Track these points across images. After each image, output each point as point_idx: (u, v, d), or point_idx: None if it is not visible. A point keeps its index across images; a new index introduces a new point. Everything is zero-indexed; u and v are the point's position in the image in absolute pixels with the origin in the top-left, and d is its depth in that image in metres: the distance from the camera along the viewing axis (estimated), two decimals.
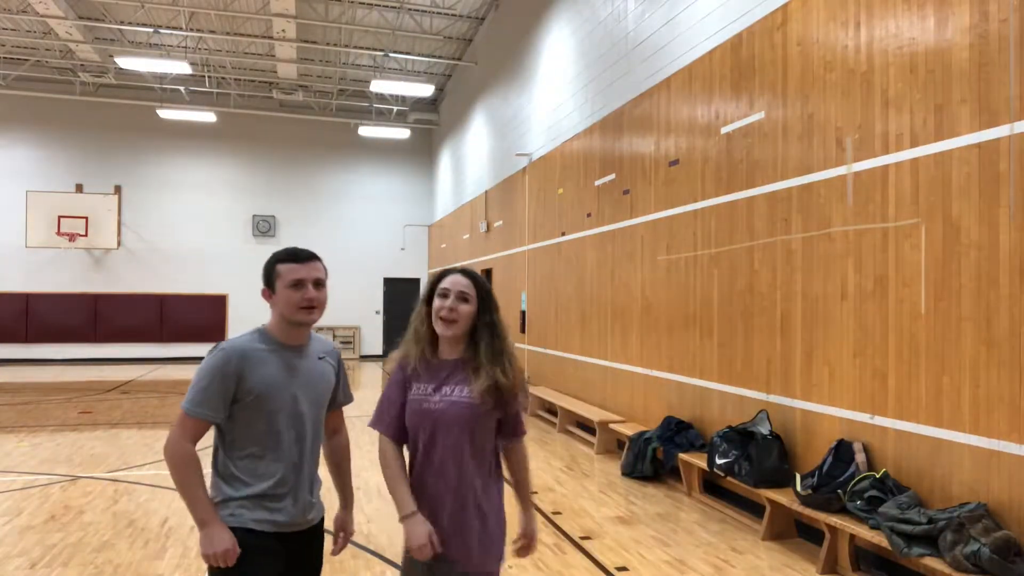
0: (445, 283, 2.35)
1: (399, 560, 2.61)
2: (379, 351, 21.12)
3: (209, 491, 2.29)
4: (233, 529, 2.25)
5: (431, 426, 2.30)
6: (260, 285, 2.43)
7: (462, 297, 2.33)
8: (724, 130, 6.35)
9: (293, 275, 2.34)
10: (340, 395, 2.61)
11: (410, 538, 2.23)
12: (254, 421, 2.29)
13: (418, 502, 2.28)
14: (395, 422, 2.35)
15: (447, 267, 2.48)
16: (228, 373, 2.25)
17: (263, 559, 2.29)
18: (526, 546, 2.47)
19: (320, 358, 2.49)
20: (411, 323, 2.43)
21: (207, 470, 2.27)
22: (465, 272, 2.38)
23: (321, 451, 2.55)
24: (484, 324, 2.35)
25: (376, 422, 2.39)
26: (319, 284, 2.37)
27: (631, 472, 7.05)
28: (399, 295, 21.14)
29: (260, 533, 2.30)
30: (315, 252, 2.45)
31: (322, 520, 2.52)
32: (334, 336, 20.63)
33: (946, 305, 4.12)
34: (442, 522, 2.28)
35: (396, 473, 2.30)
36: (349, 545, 5.05)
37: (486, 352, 2.32)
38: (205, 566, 2.27)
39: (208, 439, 2.33)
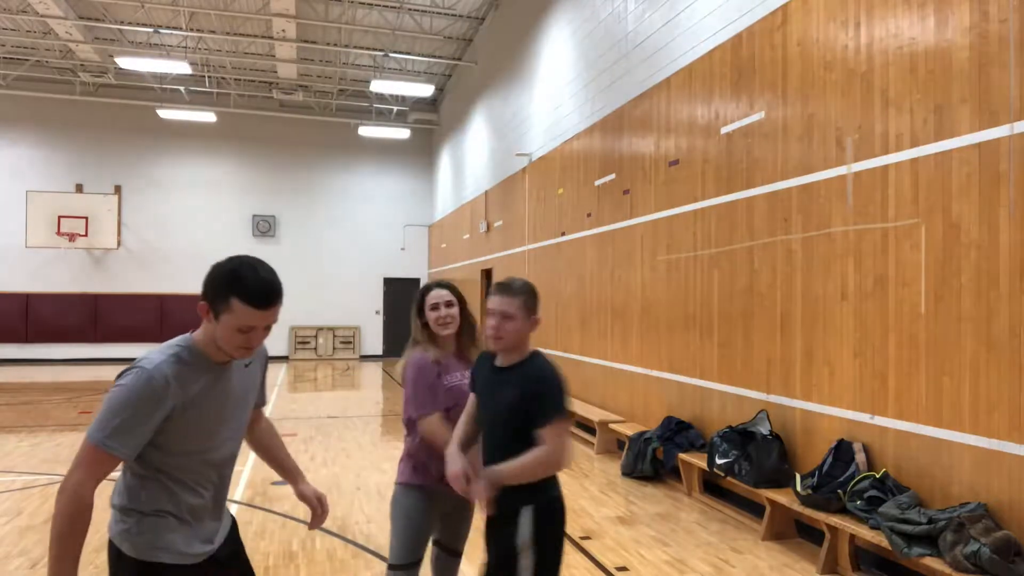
0: (432, 298, 3.06)
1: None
2: (379, 351, 21.11)
3: None
4: None
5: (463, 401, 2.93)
6: None
7: (448, 304, 3.07)
8: (724, 130, 6.35)
9: (248, 321, 1.96)
10: (259, 398, 2.40)
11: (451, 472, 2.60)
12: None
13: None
14: (441, 403, 2.99)
15: (426, 284, 3.14)
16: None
17: None
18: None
19: (247, 365, 2.22)
20: (412, 334, 3.11)
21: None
22: (442, 284, 3.11)
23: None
24: (465, 319, 3.12)
25: (423, 407, 2.95)
26: (269, 329, 2.05)
27: (631, 472, 7.05)
28: (399, 295, 21.12)
29: None
30: (280, 288, 2.03)
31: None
32: (334, 336, 20.65)
33: (946, 305, 4.12)
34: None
35: (455, 431, 2.78)
36: (349, 545, 5.07)
37: (470, 339, 3.15)
38: None
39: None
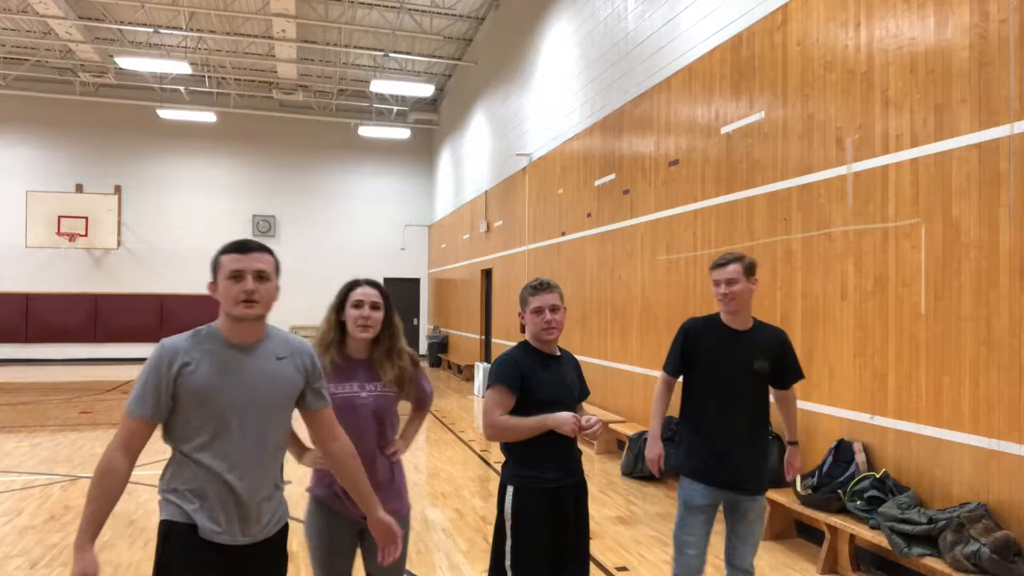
0: (358, 294, 2.74)
1: None
2: None
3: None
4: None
5: (361, 414, 2.70)
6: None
7: (375, 306, 2.74)
8: (724, 130, 6.35)
9: (233, 265, 2.15)
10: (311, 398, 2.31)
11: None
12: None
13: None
14: None
15: (355, 279, 2.84)
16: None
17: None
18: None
19: (279, 358, 2.24)
20: (319, 330, 2.80)
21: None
22: (372, 283, 2.80)
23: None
24: (387, 328, 2.79)
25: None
26: (262, 276, 2.15)
27: (631, 472, 7.05)
28: (399, 295, 21.12)
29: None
30: (258, 242, 2.25)
31: (269, 539, 2.25)
32: None
33: (946, 305, 4.12)
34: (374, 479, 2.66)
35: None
36: None
37: (384, 352, 2.77)
38: None
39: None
